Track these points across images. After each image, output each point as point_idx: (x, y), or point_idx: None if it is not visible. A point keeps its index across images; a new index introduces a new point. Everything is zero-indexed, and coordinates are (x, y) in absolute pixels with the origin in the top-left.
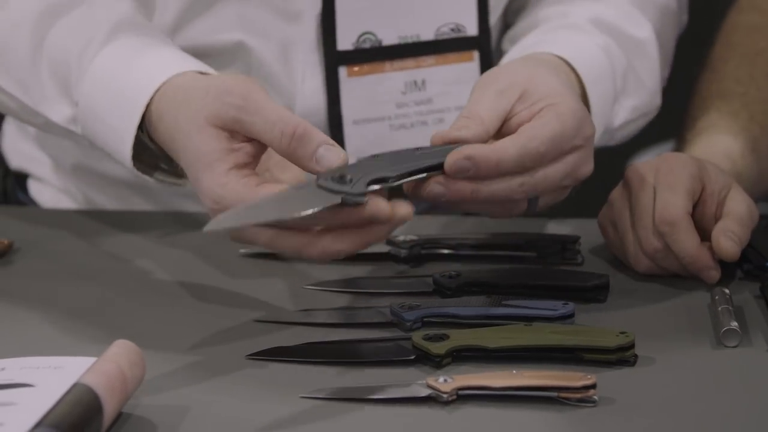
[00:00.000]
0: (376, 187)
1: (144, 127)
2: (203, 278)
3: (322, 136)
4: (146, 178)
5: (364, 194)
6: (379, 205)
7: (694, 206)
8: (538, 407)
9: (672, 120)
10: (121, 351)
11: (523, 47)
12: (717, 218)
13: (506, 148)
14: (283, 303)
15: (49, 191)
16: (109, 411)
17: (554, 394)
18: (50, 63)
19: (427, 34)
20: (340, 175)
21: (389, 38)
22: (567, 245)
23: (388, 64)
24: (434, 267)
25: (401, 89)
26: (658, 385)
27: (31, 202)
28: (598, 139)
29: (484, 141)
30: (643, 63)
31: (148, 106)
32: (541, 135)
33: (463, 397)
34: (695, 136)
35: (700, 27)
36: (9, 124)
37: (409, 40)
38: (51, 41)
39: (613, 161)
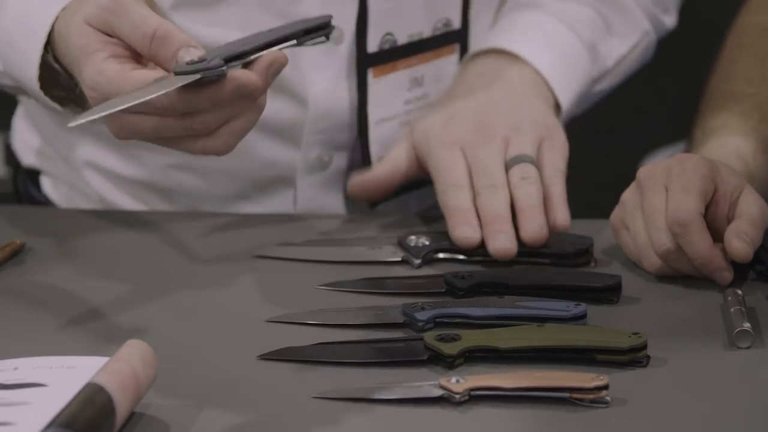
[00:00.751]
0: (234, 63)
1: (54, 55)
2: (216, 278)
3: (183, 38)
4: (54, 105)
5: (220, 66)
6: (240, 73)
7: (707, 207)
8: (551, 408)
9: (683, 120)
10: (133, 351)
11: (482, 41)
12: (729, 219)
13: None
14: (296, 303)
15: (63, 188)
16: (121, 411)
17: (566, 394)
18: None
19: (427, 31)
20: (197, 60)
21: (402, 37)
22: (580, 248)
23: (399, 63)
24: (446, 267)
25: (407, 86)
26: (671, 386)
27: (44, 199)
28: (600, 85)
29: (397, 176)
30: (612, 3)
31: (52, 26)
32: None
33: (475, 397)
34: (706, 136)
35: (710, 27)
36: (20, 120)
37: (415, 38)
38: None
39: (625, 162)
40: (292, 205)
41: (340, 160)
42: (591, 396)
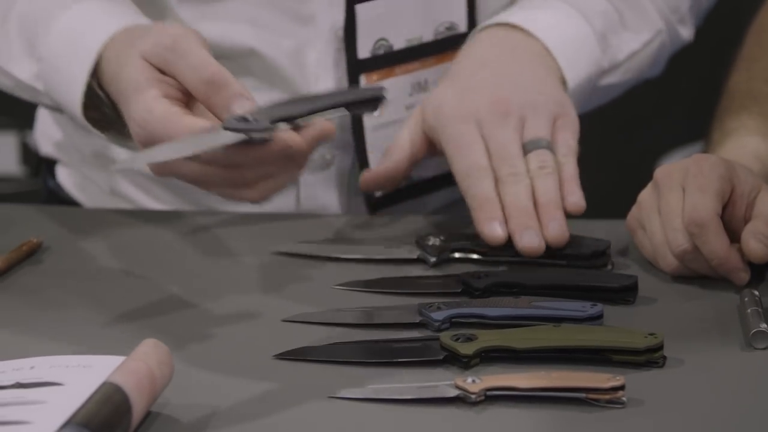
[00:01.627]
0: (282, 124)
1: (98, 81)
2: (232, 277)
3: (237, 87)
4: (97, 132)
5: (268, 129)
6: (288, 136)
7: (724, 207)
8: (566, 408)
9: (701, 121)
10: (149, 350)
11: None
12: (746, 220)
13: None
14: (312, 303)
15: (76, 177)
16: (137, 410)
17: (582, 395)
18: (19, 20)
19: (428, 35)
20: (243, 117)
21: (399, 43)
22: (597, 251)
23: (397, 68)
24: (462, 267)
25: (408, 92)
26: (687, 386)
27: (58, 188)
28: (609, 77)
29: (408, 161)
30: None
31: (100, 53)
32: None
33: (491, 397)
34: (724, 136)
35: (729, 27)
36: (43, 109)
37: (414, 43)
38: (21, 3)
39: (642, 162)
40: (294, 203)
41: (342, 159)
42: (607, 396)
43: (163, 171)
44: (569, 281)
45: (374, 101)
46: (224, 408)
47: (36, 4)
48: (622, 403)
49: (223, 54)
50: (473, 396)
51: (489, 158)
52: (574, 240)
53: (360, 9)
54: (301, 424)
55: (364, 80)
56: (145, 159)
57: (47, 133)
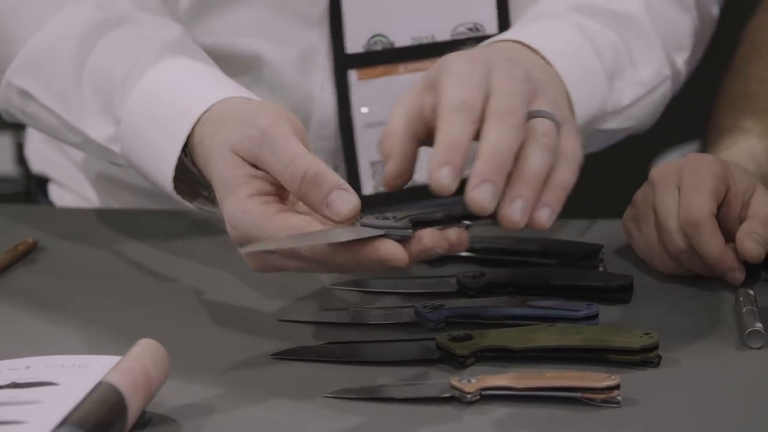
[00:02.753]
0: (425, 229)
1: (187, 151)
2: (227, 277)
3: (334, 180)
4: (186, 203)
5: (409, 228)
6: (389, 247)
7: (719, 207)
8: (562, 408)
9: (696, 120)
10: (145, 350)
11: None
12: (741, 219)
13: (447, 122)
14: (307, 302)
15: (69, 196)
16: (133, 410)
17: (578, 394)
18: (93, 80)
19: (443, 35)
20: (384, 216)
21: (402, 40)
22: (590, 254)
23: (401, 66)
24: (457, 268)
25: None
26: (682, 386)
27: (50, 207)
28: (610, 122)
29: (411, 149)
30: (635, 36)
31: (192, 128)
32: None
33: (487, 397)
34: (720, 136)
35: (725, 27)
36: (32, 129)
37: (424, 41)
38: (96, 58)
39: (637, 162)
40: None
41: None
42: (602, 396)
43: (263, 265)
44: (565, 281)
45: None
46: (220, 407)
47: (114, 56)
48: (618, 402)
49: (224, 58)
50: (469, 396)
51: (483, 104)
52: (566, 241)
53: (347, 2)
54: (297, 423)
55: (354, 76)
56: (267, 245)
57: (39, 151)
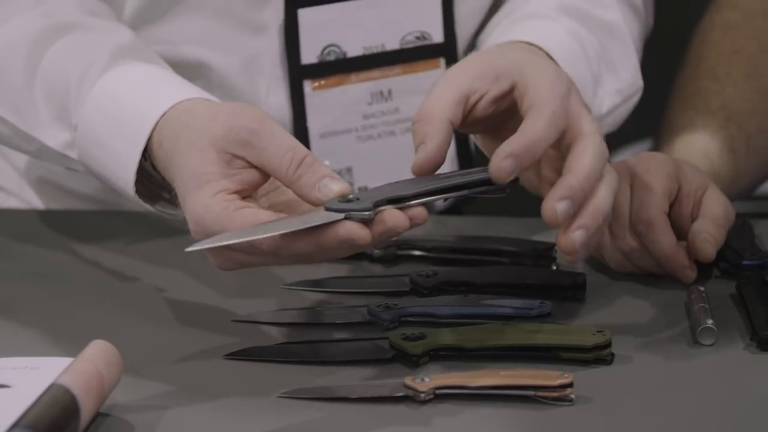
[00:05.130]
0: (385, 207)
1: (146, 154)
2: (180, 277)
3: (328, 170)
4: (147, 207)
5: (370, 209)
6: (349, 227)
7: (671, 206)
8: (516, 406)
9: (649, 119)
10: (97, 351)
11: (487, 44)
12: (693, 218)
13: (534, 123)
14: (261, 303)
15: (13, 201)
16: (86, 411)
17: (531, 393)
18: (46, 87)
19: (392, 44)
20: (348, 198)
21: (354, 50)
22: (543, 252)
23: (353, 76)
24: (410, 267)
25: (367, 100)
26: (635, 383)
27: None
28: None
29: (448, 136)
30: (615, 44)
31: (152, 131)
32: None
33: (441, 396)
34: (673, 134)
35: (677, 25)
36: None
37: (375, 51)
38: (47, 65)
39: None
40: None
41: None
42: (556, 394)
43: (228, 262)
44: (518, 279)
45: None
46: (173, 408)
47: (66, 62)
48: (571, 400)
49: (174, 67)
50: (422, 395)
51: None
52: (519, 240)
53: (303, 13)
54: (251, 423)
55: (308, 86)
56: (216, 241)
57: None
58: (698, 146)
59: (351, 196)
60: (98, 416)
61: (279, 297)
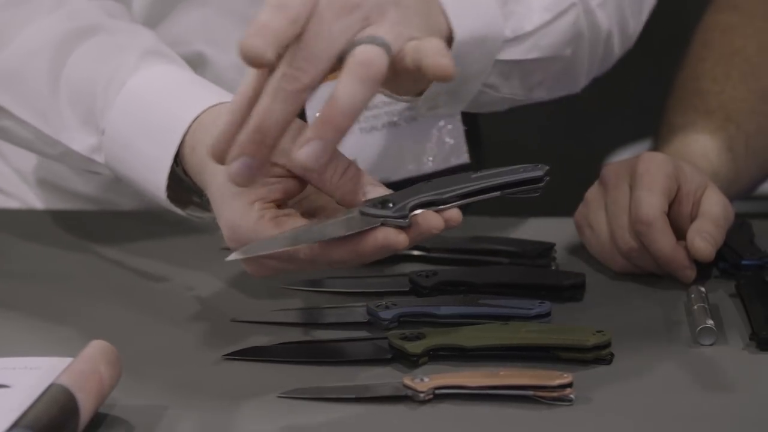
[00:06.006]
0: (419, 211)
1: (178, 159)
2: (179, 278)
3: (369, 177)
4: (178, 211)
5: (406, 217)
6: (387, 233)
7: (670, 206)
8: (515, 406)
9: (648, 119)
10: (97, 351)
11: None
12: (693, 218)
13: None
14: (260, 303)
15: (13, 203)
16: (85, 411)
17: (531, 393)
18: (71, 91)
19: None
20: (383, 201)
21: None
22: (542, 252)
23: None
24: (410, 266)
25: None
26: (635, 383)
27: None
28: (511, 51)
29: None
30: None
31: (184, 136)
32: None
33: (440, 396)
34: (672, 134)
35: (676, 25)
36: None
37: None
38: (72, 68)
39: (589, 160)
40: None
41: None
42: (555, 394)
43: (261, 270)
44: (517, 279)
45: (534, 182)
46: (173, 408)
47: (92, 66)
48: (570, 400)
49: None
50: (422, 395)
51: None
52: (519, 240)
53: None
54: (251, 423)
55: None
56: (258, 249)
57: None
58: (697, 146)
59: (388, 201)
60: (97, 416)
61: (278, 297)
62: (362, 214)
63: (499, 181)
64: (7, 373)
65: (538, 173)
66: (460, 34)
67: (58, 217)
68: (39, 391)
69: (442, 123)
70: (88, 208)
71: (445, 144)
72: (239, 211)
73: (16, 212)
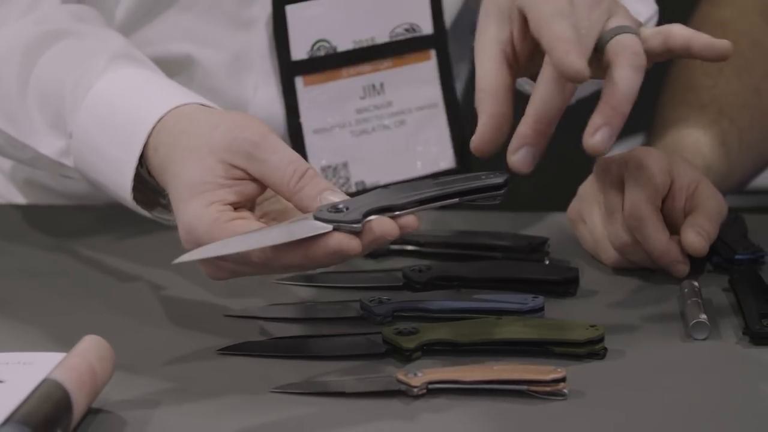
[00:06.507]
0: (373, 217)
1: (143, 160)
2: (171, 274)
3: (328, 183)
4: (144, 213)
5: (359, 222)
6: (340, 238)
7: (663, 200)
8: (508, 401)
9: (641, 113)
10: (90, 346)
11: None
12: (686, 213)
13: (543, 83)
14: (253, 298)
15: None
16: (78, 406)
17: (524, 387)
18: (39, 95)
19: (382, 37)
20: (337, 207)
21: (344, 44)
22: (536, 247)
23: (344, 71)
24: (403, 261)
25: (360, 94)
26: (628, 378)
27: None
28: None
29: (504, 102)
30: None
31: (148, 137)
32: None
33: (433, 391)
34: (665, 129)
35: (670, 20)
36: None
37: (365, 44)
38: (40, 72)
39: (582, 155)
40: None
41: None
42: (549, 388)
43: (219, 272)
44: (510, 274)
45: (493, 189)
46: (166, 403)
47: (59, 70)
48: (564, 395)
49: (159, 64)
50: (415, 389)
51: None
52: (512, 234)
53: (291, 9)
54: (243, 418)
55: (300, 82)
56: (204, 252)
57: None
58: (691, 141)
59: (341, 205)
60: (91, 411)
61: (271, 292)
62: (316, 218)
63: (458, 188)
64: (0, 368)
65: (498, 180)
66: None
67: (47, 212)
68: (32, 386)
69: (429, 128)
70: (75, 204)
71: (432, 148)
72: (196, 212)
73: (4, 207)
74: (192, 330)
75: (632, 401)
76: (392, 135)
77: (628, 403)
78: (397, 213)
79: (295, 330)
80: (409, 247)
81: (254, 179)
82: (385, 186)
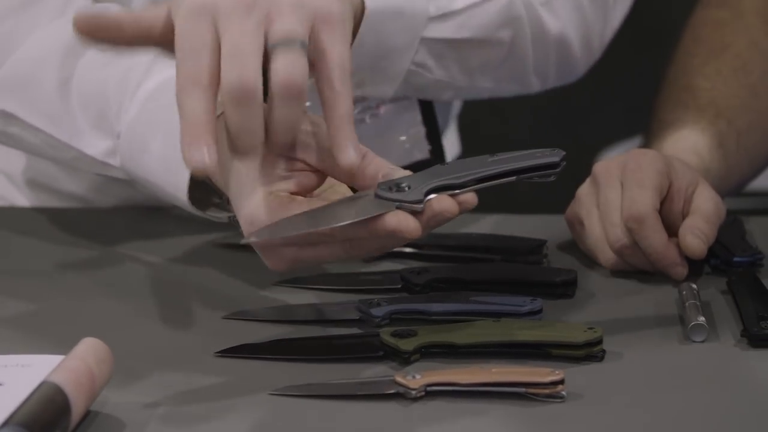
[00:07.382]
0: (433, 195)
1: None
2: (170, 275)
3: (388, 162)
4: (198, 213)
5: (421, 201)
6: (400, 218)
7: (662, 203)
8: (507, 403)
9: (639, 115)
10: (88, 348)
11: None
12: (684, 215)
13: None
14: (252, 300)
15: (1, 204)
16: (77, 409)
17: (522, 389)
18: (81, 95)
19: None
20: (398, 184)
21: None
22: (534, 249)
23: None
24: (401, 263)
25: None
26: (626, 380)
27: None
28: (438, 29)
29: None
30: None
31: None
32: None
33: (432, 393)
34: (662, 131)
35: (667, 21)
36: None
37: None
38: (82, 73)
39: (580, 157)
40: None
41: None
42: (547, 391)
43: (281, 261)
44: (508, 276)
45: (551, 167)
46: (165, 406)
47: (103, 70)
48: (562, 397)
49: None
50: (413, 392)
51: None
52: (510, 237)
53: None
54: (243, 421)
55: None
56: (279, 231)
57: None
58: (688, 143)
59: (403, 184)
60: (89, 414)
61: (270, 294)
62: (377, 197)
63: (516, 166)
64: None
65: (555, 158)
66: (371, 3)
67: (47, 214)
68: (30, 389)
69: (403, 120)
70: (75, 206)
71: (407, 139)
72: (258, 203)
73: (4, 210)
74: (190, 332)
75: (631, 403)
76: (368, 129)
77: (627, 405)
78: (456, 192)
79: (292, 332)
80: (408, 249)
81: (315, 170)
82: (443, 163)
